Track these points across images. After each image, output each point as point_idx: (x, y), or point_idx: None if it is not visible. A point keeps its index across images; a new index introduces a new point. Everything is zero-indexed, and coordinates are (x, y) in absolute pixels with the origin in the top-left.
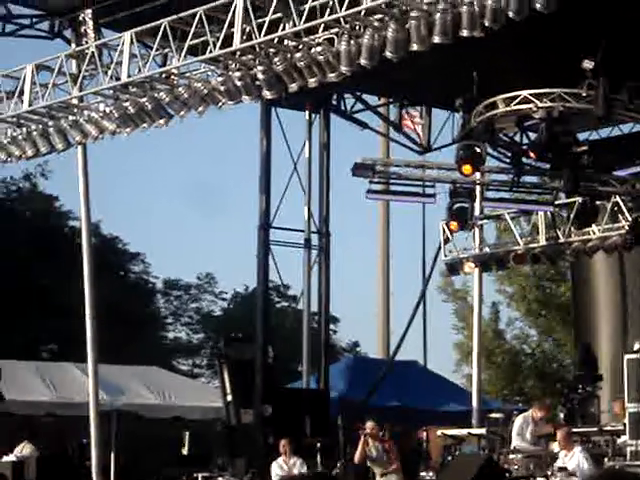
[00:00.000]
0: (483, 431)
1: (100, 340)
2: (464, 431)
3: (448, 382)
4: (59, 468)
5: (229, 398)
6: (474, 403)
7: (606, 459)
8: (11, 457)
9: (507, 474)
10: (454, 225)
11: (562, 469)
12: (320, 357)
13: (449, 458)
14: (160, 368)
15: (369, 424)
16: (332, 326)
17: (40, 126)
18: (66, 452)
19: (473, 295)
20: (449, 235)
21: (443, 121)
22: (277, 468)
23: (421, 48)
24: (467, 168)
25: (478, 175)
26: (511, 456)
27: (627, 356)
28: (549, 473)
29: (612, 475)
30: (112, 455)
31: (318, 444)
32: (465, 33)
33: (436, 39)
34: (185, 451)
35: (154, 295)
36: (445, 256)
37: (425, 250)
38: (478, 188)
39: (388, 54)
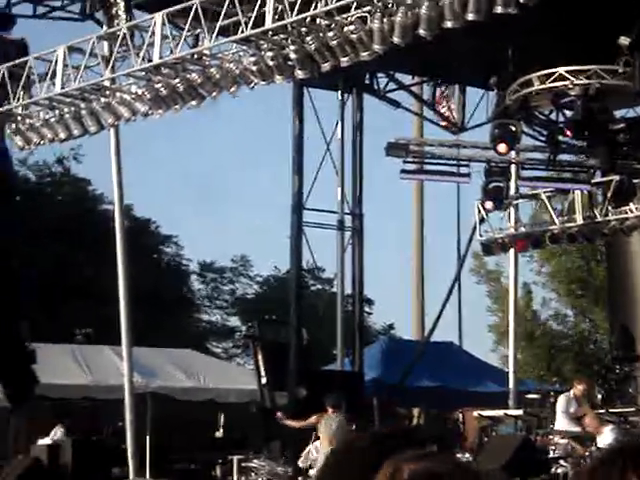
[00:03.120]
0: (520, 412)
1: (134, 323)
2: (500, 412)
3: (484, 363)
4: (94, 452)
5: (263, 380)
6: (510, 384)
7: None
8: (46, 440)
9: (544, 455)
10: (489, 205)
11: (600, 449)
12: (354, 339)
13: (485, 439)
14: (194, 351)
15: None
16: (367, 308)
17: (72, 108)
18: (101, 435)
19: (507, 276)
20: (484, 215)
21: (477, 100)
22: (315, 451)
23: (455, 25)
24: (502, 147)
25: (513, 154)
26: (550, 437)
27: None
28: (587, 454)
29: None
30: (147, 438)
31: (354, 426)
32: (499, 10)
33: (470, 16)
34: (220, 434)
35: (188, 277)
36: (480, 236)
37: (460, 230)
38: (513, 167)
39: (421, 32)
